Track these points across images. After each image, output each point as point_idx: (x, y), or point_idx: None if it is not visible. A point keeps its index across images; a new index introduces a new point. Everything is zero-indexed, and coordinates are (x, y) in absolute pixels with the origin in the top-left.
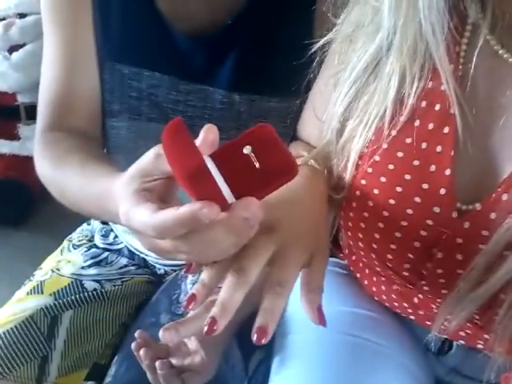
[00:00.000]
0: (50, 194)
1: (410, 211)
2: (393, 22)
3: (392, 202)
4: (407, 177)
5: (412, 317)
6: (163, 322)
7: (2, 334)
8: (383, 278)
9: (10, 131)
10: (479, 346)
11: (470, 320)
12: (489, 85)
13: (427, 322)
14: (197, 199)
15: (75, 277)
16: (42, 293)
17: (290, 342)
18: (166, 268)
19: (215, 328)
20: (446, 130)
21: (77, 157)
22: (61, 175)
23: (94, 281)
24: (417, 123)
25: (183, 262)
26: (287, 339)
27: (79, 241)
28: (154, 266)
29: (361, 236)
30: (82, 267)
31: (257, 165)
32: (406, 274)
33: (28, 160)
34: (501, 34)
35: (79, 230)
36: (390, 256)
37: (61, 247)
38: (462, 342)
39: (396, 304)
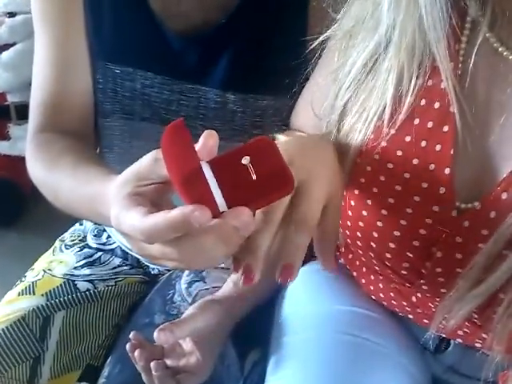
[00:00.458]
0: (42, 194)
1: (409, 210)
2: (392, 18)
3: (391, 200)
4: (406, 175)
5: (410, 315)
6: (158, 322)
7: None
8: (381, 277)
9: (0, 131)
10: (477, 345)
11: (468, 319)
12: (488, 83)
13: (425, 321)
14: (190, 203)
15: (68, 277)
16: (34, 293)
17: (286, 343)
18: (159, 268)
19: (252, 276)
20: (446, 128)
21: (69, 159)
22: (53, 177)
23: (86, 281)
24: (416, 121)
25: None
26: (283, 340)
27: (72, 241)
28: (148, 266)
29: (359, 235)
30: (75, 267)
31: (253, 176)
32: (404, 272)
33: (19, 160)
34: (500, 31)
35: (71, 230)
36: (388, 255)
37: (53, 247)
38: (460, 340)
39: (394, 302)
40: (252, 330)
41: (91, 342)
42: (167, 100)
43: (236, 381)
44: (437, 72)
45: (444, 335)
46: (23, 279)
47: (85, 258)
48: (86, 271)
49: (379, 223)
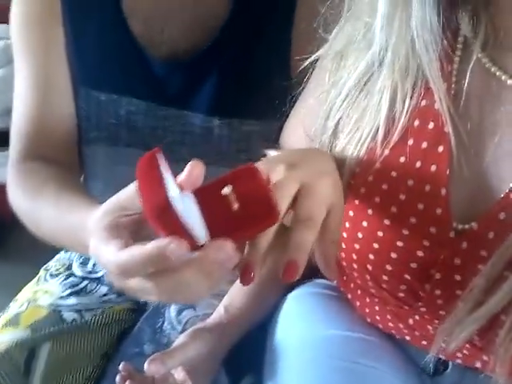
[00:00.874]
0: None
1: (405, 232)
2: (385, 39)
3: (387, 222)
4: (402, 197)
5: (407, 337)
6: (147, 352)
7: None
8: (376, 299)
9: None
10: (477, 366)
11: (469, 341)
12: (482, 102)
13: (423, 342)
14: (166, 236)
15: (53, 307)
16: (18, 325)
17: (280, 368)
18: None
19: (251, 275)
20: (441, 148)
21: (51, 188)
22: (35, 207)
23: (73, 311)
24: (410, 142)
25: None
26: (277, 365)
27: (57, 270)
28: None
29: (355, 257)
30: (61, 297)
31: (236, 206)
32: (401, 295)
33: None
34: (492, 51)
35: (56, 258)
36: (385, 277)
37: (37, 277)
38: (459, 361)
39: (390, 325)
40: (245, 356)
41: (79, 374)
42: (153, 126)
43: None
44: (430, 92)
45: (443, 357)
46: (6, 310)
47: (71, 287)
48: (73, 301)
49: (375, 245)
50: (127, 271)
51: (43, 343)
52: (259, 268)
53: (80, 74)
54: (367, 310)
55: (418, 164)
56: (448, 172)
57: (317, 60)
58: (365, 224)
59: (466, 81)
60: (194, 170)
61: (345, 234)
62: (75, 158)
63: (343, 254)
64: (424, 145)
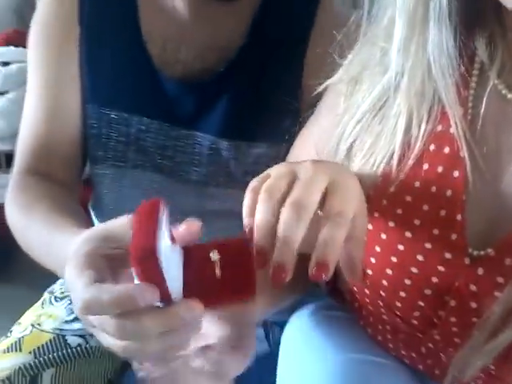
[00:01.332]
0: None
1: (420, 257)
2: (401, 64)
3: (401, 247)
4: (416, 222)
5: (420, 366)
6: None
7: None
8: (389, 327)
9: None
10: None
11: (485, 370)
12: (498, 128)
13: (436, 372)
14: (140, 282)
15: (58, 332)
16: (21, 350)
17: None
18: None
19: (284, 275)
20: (456, 173)
21: (44, 206)
22: (26, 224)
23: (77, 336)
24: (425, 166)
25: None
26: None
27: (61, 293)
28: None
29: (368, 282)
30: (65, 321)
31: (217, 273)
32: (415, 322)
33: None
34: (509, 77)
35: (61, 281)
36: (398, 304)
37: (41, 300)
38: None
39: (403, 353)
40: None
41: None
42: (163, 145)
43: None
44: (446, 117)
45: None
46: (9, 335)
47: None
48: (77, 325)
49: (389, 271)
50: (90, 308)
51: (46, 369)
52: (292, 268)
53: (92, 91)
54: (379, 338)
55: (434, 189)
56: (464, 197)
57: (331, 85)
58: (378, 249)
59: (483, 106)
60: (191, 227)
61: None
62: (76, 177)
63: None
64: (439, 169)
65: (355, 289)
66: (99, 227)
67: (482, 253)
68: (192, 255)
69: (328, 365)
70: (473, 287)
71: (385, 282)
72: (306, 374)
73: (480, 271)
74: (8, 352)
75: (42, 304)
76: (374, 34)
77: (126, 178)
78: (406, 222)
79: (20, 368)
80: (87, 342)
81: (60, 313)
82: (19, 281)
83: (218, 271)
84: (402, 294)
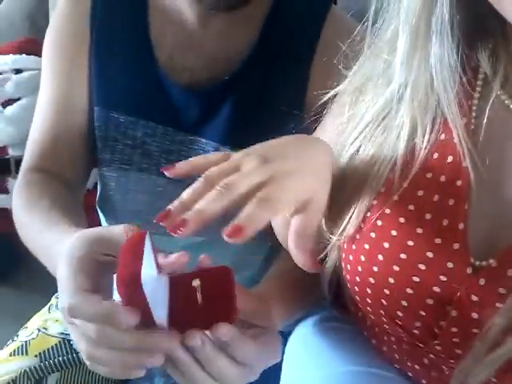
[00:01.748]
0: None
1: (422, 266)
2: (404, 77)
3: (403, 256)
4: (419, 231)
5: (423, 381)
6: None
7: None
8: (393, 338)
9: None
10: None
11: (486, 383)
12: (502, 138)
13: None
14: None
15: (63, 336)
16: (27, 354)
17: None
18: None
19: (182, 228)
20: (459, 182)
21: (45, 203)
22: (28, 220)
23: None
24: (429, 175)
25: None
26: None
27: None
28: None
29: (369, 291)
30: None
31: (199, 300)
32: (416, 332)
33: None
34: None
35: None
36: (400, 313)
37: (49, 304)
38: None
39: (409, 364)
40: None
41: None
42: (168, 150)
43: None
44: (449, 126)
45: None
46: (15, 338)
47: None
48: None
49: (391, 280)
50: (74, 313)
51: (51, 373)
52: (193, 228)
53: (101, 94)
54: (384, 349)
55: (436, 197)
56: (466, 206)
57: (335, 95)
58: (381, 258)
59: (486, 117)
60: (181, 259)
61: (360, 268)
62: (81, 177)
63: (357, 288)
64: (442, 178)
65: (357, 298)
66: (96, 230)
67: (484, 263)
68: (177, 283)
69: (330, 377)
70: (474, 297)
71: (387, 291)
72: None
73: (482, 281)
74: (14, 355)
75: (49, 309)
76: (378, 47)
77: (131, 180)
78: (409, 230)
79: (25, 371)
80: None
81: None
82: (27, 286)
83: (199, 298)
84: (404, 302)
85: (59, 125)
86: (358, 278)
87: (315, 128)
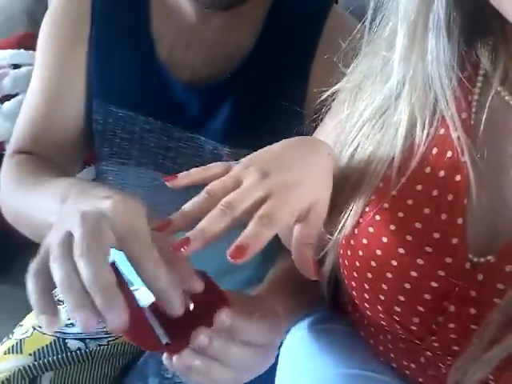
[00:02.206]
0: (35, 243)
1: (420, 261)
2: (402, 73)
3: (401, 251)
4: (417, 225)
5: (420, 379)
6: None
7: None
8: (390, 336)
9: None
10: None
11: (484, 382)
12: (501, 135)
13: (437, 383)
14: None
15: (58, 335)
16: (21, 352)
17: None
18: None
19: (185, 247)
20: (458, 177)
21: (34, 177)
22: (16, 195)
23: (78, 339)
24: (427, 170)
25: None
26: None
27: None
28: None
29: (367, 287)
30: (66, 325)
31: (191, 307)
32: (414, 328)
33: None
34: (511, 85)
35: None
36: (397, 309)
37: None
38: None
39: (404, 363)
40: None
41: None
42: (166, 146)
43: None
44: (448, 122)
45: None
46: (11, 336)
47: None
48: (78, 329)
49: (388, 274)
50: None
51: (45, 372)
52: (196, 247)
53: (100, 87)
54: (381, 348)
55: (435, 192)
56: (465, 201)
57: (335, 93)
58: (379, 252)
59: (485, 112)
60: None
61: (357, 263)
62: (72, 163)
63: (354, 284)
64: (441, 173)
65: (355, 294)
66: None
67: (482, 260)
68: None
69: (324, 379)
70: (472, 293)
71: (384, 286)
72: None
73: (480, 277)
74: (8, 353)
75: None
76: (377, 44)
77: (129, 175)
78: (407, 225)
79: (20, 370)
80: (87, 346)
81: (61, 316)
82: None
83: (190, 304)
84: (402, 298)
85: (51, 110)
86: (355, 274)
87: (316, 126)
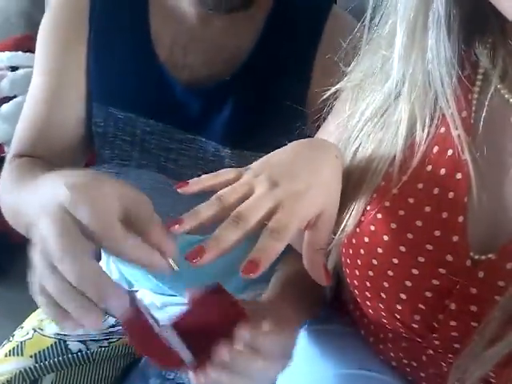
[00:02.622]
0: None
1: (421, 259)
2: (402, 72)
3: (402, 249)
4: (418, 223)
5: (421, 373)
6: None
7: None
8: (390, 335)
9: None
10: None
11: (484, 379)
12: (501, 132)
13: (438, 381)
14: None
15: (59, 337)
16: (22, 354)
17: None
18: None
19: (199, 257)
20: (459, 175)
21: (33, 173)
22: (14, 192)
23: (79, 341)
24: (429, 168)
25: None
26: None
27: None
28: None
29: (368, 285)
30: None
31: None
32: (415, 326)
33: None
34: (511, 82)
35: None
36: (399, 306)
37: None
38: None
39: (404, 361)
40: None
41: None
42: (167, 148)
43: None
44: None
45: None
46: (11, 338)
47: None
48: (79, 331)
49: (390, 272)
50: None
51: (47, 374)
52: (211, 258)
53: (100, 90)
54: (381, 347)
55: (436, 190)
56: (466, 199)
57: (336, 92)
58: (380, 250)
59: (485, 110)
60: None
61: (359, 261)
62: (73, 165)
63: (356, 282)
64: (442, 171)
65: (356, 292)
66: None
67: (483, 257)
68: (180, 326)
69: (322, 379)
70: (473, 290)
71: (386, 284)
72: None
73: (481, 274)
74: (9, 356)
75: None
76: (377, 42)
77: (130, 177)
78: (408, 223)
79: (21, 372)
80: (88, 348)
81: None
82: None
83: (206, 321)
84: (403, 295)
85: (52, 114)
86: (357, 272)
87: (318, 126)
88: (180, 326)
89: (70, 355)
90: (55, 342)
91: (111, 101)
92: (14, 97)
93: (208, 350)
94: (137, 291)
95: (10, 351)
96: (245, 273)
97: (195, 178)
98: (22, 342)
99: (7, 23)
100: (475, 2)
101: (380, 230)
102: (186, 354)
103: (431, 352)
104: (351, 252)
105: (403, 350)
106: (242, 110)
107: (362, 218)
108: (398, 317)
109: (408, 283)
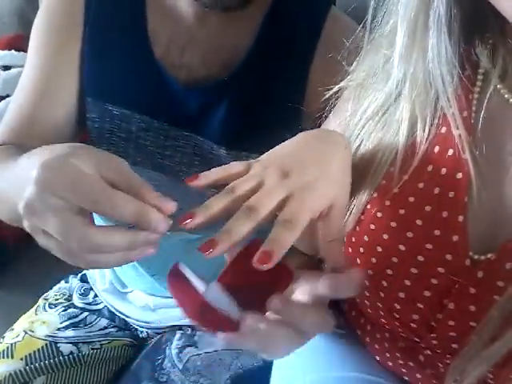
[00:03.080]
0: (27, 249)
1: (420, 258)
2: (403, 71)
3: (402, 247)
4: (418, 222)
5: (418, 375)
6: None
7: None
8: (387, 334)
9: None
10: None
11: (482, 380)
12: (501, 132)
13: (434, 381)
14: (209, 329)
15: (50, 339)
16: (13, 357)
17: None
18: (148, 331)
19: (211, 249)
20: (459, 175)
21: (15, 157)
22: None
23: (70, 343)
24: (429, 168)
25: (168, 325)
26: None
27: (56, 299)
28: (136, 329)
29: (367, 283)
30: (58, 328)
31: (254, 278)
32: (413, 325)
33: None
34: (511, 82)
35: (56, 288)
36: (397, 305)
37: (36, 306)
38: None
39: (400, 362)
40: None
41: None
42: (163, 145)
43: None
44: (449, 119)
45: None
46: (1, 340)
47: (69, 319)
48: (70, 333)
49: (389, 271)
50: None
51: (37, 377)
52: (223, 250)
53: (95, 86)
54: (377, 347)
55: (437, 190)
56: (466, 199)
57: (338, 91)
58: (379, 249)
59: (483, 110)
60: None
61: (358, 260)
62: None
63: None
64: (443, 171)
65: None
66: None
67: (483, 257)
68: (228, 280)
69: (318, 382)
70: (472, 290)
71: (385, 283)
72: None
73: (480, 274)
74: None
75: (36, 310)
76: (378, 42)
77: None
78: (408, 222)
79: (11, 374)
80: (79, 350)
81: (53, 319)
82: (14, 286)
83: (253, 276)
84: (401, 294)
85: (39, 109)
86: None
87: (320, 125)
88: (225, 281)
89: (61, 357)
90: (46, 344)
91: (107, 97)
92: (7, 96)
93: (254, 306)
94: (131, 291)
95: (0, 353)
96: (259, 263)
97: (205, 172)
98: (12, 344)
99: (0, 22)
100: (475, 2)
101: (380, 229)
102: (233, 311)
103: (429, 352)
104: (350, 250)
105: (400, 350)
106: (239, 109)
107: (362, 217)
108: (397, 316)
109: (407, 282)
